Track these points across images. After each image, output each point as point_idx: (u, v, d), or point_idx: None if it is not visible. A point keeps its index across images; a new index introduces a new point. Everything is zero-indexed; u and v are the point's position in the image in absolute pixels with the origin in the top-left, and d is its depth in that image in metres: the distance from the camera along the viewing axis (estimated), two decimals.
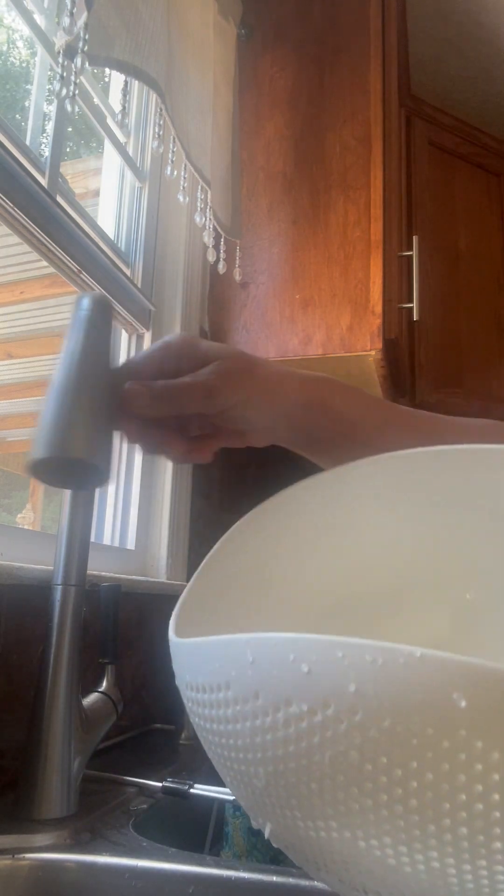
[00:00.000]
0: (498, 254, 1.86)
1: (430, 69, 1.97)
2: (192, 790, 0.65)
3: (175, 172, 1.08)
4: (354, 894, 0.26)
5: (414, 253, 1.42)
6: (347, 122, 1.29)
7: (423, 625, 0.43)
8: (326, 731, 0.22)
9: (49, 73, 1.01)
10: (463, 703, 0.20)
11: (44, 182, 0.93)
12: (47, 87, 1.00)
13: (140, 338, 1.21)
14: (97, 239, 1.06)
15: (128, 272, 1.19)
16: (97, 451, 0.41)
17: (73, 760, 0.59)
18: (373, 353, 1.17)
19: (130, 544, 1.11)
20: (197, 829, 0.74)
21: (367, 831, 0.23)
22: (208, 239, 1.16)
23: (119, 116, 1.14)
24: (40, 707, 0.59)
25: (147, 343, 1.20)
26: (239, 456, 1.52)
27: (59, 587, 0.61)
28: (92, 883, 0.51)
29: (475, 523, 0.42)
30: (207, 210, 1.14)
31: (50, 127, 0.99)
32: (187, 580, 0.57)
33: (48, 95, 1.00)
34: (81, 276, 1.01)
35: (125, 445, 1.15)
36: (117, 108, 1.18)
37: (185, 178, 1.11)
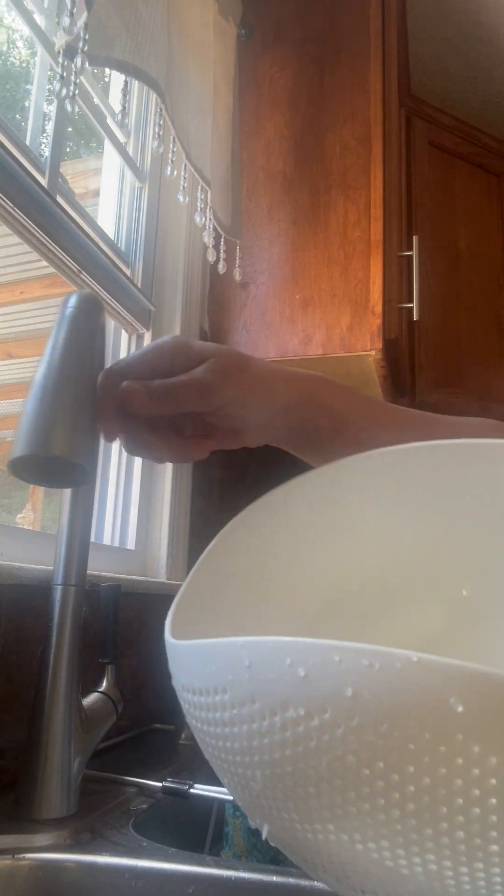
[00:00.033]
0: (498, 254, 1.85)
1: (430, 69, 1.97)
2: (192, 790, 0.65)
3: (175, 172, 1.08)
4: (352, 894, 0.26)
5: (414, 253, 1.42)
6: (347, 122, 1.29)
7: (420, 620, 0.43)
8: (323, 736, 0.22)
9: (49, 73, 1.01)
10: (460, 708, 0.20)
11: (44, 182, 0.93)
12: (47, 87, 1.00)
13: (140, 338, 1.21)
14: (97, 239, 1.06)
15: (128, 272, 1.19)
16: (78, 449, 0.41)
17: (73, 760, 0.59)
18: (373, 353, 1.17)
19: (130, 544, 1.11)
20: (197, 829, 0.74)
21: (365, 834, 0.23)
22: (208, 239, 1.16)
23: (119, 116, 1.14)
24: (40, 707, 0.59)
25: (147, 343, 1.20)
26: (239, 456, 1.52)
27: (59, 587, 0.61)
28: (92, 883, 0.51)
29: (471, 518, 0.42)
30: (207, 210, 1.14)
31: (50, 127, 0.99)
32: None
33: (48, 95, 1.00)
34: (81, 276, 1.01)
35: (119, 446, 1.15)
36: (117, 108, 1.18)
37: (185, 178, 1.11)
